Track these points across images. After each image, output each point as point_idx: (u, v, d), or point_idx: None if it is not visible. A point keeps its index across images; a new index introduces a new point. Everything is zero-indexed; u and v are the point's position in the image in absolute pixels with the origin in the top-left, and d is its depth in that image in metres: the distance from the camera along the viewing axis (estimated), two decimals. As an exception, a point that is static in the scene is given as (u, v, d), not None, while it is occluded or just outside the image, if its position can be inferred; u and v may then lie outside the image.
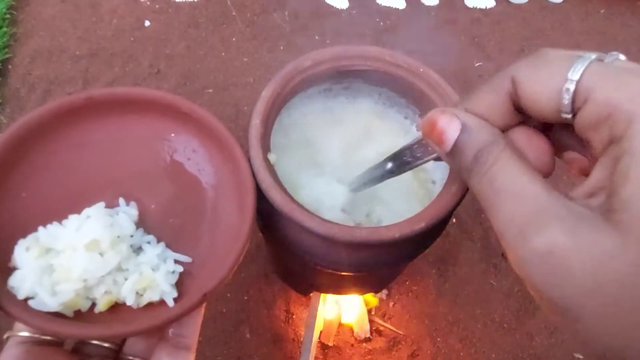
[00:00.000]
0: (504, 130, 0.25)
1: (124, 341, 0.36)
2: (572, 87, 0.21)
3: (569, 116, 0.22)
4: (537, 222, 0.20)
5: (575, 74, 0.21)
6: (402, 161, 0.33)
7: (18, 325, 0.32)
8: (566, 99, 0.21)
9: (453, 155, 0.25)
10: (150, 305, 0.33)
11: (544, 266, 0.19)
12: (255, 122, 0.38)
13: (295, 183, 0.42)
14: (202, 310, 0.35)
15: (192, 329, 0.34)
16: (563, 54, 0.22)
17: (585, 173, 0.25)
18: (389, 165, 0.34)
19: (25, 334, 0.32)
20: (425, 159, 0.30)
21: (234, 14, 0.98)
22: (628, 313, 0.18)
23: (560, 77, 0.21)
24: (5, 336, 0.32)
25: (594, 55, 0.21)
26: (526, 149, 0.24)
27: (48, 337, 0.32)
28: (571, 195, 0.22)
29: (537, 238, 0.20)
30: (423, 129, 0.27)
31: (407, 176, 0.44)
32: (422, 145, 0.30)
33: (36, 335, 0.32)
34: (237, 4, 1.00)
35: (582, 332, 0.19)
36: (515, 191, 0.21)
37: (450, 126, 0.24)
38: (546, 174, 0.25)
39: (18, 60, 0.89)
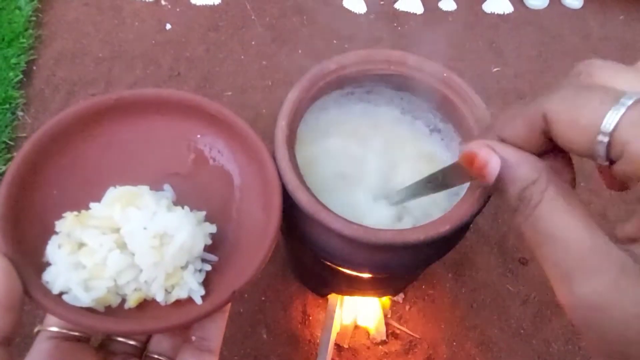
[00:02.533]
0: (540, 154, 0.24)
1: (148, 339, 0.36)
2: (605, 139, 0.20)
3: (606, 163, 0.21)
4: (581, 272, 0.20)
5: (608, 125, 0.20)
6: (441, 182, 0.32)
7: (48, 320, 0.33)
8: (600, 151, 0.20)
9: (496, 189, 0.25)
10: (178, 302, 0.34)
11: (587, 315, 0.20)
12: (282, 124, 0.39)
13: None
14: (226, 315, 0.36)
15: (216, 333, 0.35)
16: (599, 94, 0.21)
17: (612, 187, 0.25)
18: (430, 184, 0.34)
19: (55, 329, 0.32)
20: (467, 181, 0.30)
21: (253, 17, 1.00)
22: None
23: (594, 126, 0.20)
24: (35, 330, 0.33)
25: (633, 98, 0.19)
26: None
27: (76, 333, 0.33)
28: (617, 233, 0.22)
29: (580, 288, 0.20)
30: (463, 161, 0.26)
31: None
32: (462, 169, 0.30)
33: (64, 331, 0.33)
34: (257, 8, 1.01)
35: None
36: (559, 236, 0.21)
37: (490, 161, 0.24)
38: None
39: (42, 62, 0.91)
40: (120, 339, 0.35)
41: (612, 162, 0.21)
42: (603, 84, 0.23)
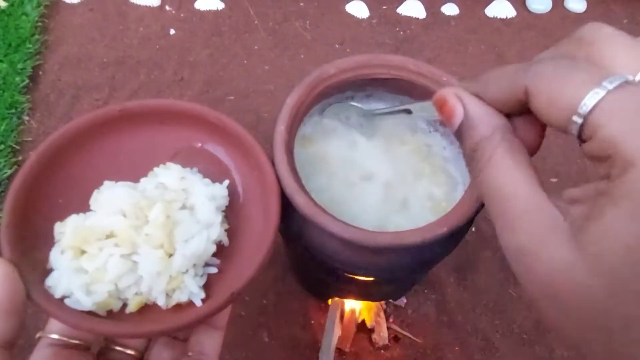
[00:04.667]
0: (510, 115, 0.25)
1: (146, 349, 0.36)
2: (579, 120, 0.20)
3: (577, 140, 0.22)
4: (515, 223, 0.22)
5: (585, 107, 0.20)
6: (415, 113, 0.35)
7: (49, 326, 0.34)
8: (573, 130, 0.21)
9: (458, 138, 0.26)
10: (178, 306, 0.34)
11: (516, 261, 0.22)
12: (280, 129, 0.39)
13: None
14: (223, 331, 0.36)
15: (213, 348, 0.35)
16: (582, 74, 0.21)
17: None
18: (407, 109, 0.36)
19: (56, 336, 0.33)
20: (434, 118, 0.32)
21: (256, 22, 1.00)
22: (577, 319, 0.20)
23: (572, 107, 0.20)
24: (37, 336, 0.33)
25: (615, 82, 0.20)
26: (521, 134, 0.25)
27: (76, 341, 0.33)
28: (563, 195, 0.23)
29: (512, 236, 0.22)
30: (435, 103, 0.27)
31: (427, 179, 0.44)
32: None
33: (65, 338, 0.33)
34: (260, 13, 1.01)
35: (545, 321, 0.22)
36: (502, 190, 0.23)
37: (456, 110, 0.26)
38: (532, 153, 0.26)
39: (48, 67, 0.92)
40: (118, 347, 0.35)
41: (583, 140, 0.21)
42: (601, 56, 0.22)
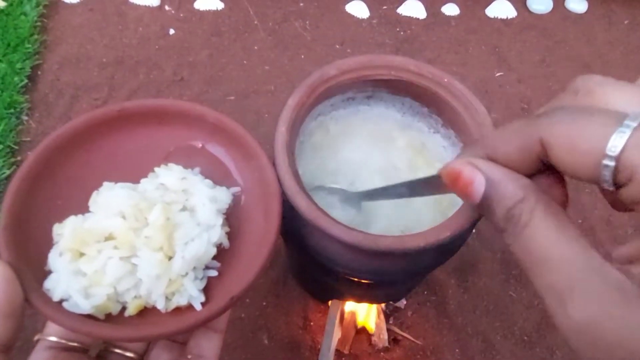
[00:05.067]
0: (529, 175, 0.23)
1: (146, 352, 0.36)
2: (611, 163, 0.19)
3: (612, 188, 0.20)
4: (574, 293, 0.19)
5: (614, 148, 0.18)
6: (416, 191, 0.32)
7: (47, 329, 0.33)
8: (606, 176, 0.19)
9: (482, 209, 0.23)
10: (178, 309, 0.34)
11: (583, 337, 0.19)
12: (282, 130, 0.39)
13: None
14: (223, 333, 0.36)
15: (212, 350, 0.35)
16: (600, 116, 0.19)
17: (617, 208, 0.23)
18: (403, 190, 0.33)
19: (54, 339, 0.32)
20: (443, 193, 0.29)
21: (256, 22, 1.00)
22: None
23: (598, 150, 0.19)
24: (35, 338, 0.33)
25: (637, 120, 0.18)
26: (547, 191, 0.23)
27: (75, 344, 0.33)
28: (613, 255, 0.21)
29: (575, 310, 0.19)
30: (446, 179, 0.25)
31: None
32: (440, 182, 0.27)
33: (63, 341, 0.33)
34: (260, 13, 1.01)
35: None
36: (551, 256, 0.20)
37: (475, 179, 0.23)
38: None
39: (47, 67, 0.92)
40: (117, 350, 0.35)
41: (618, 186, 0.20)
42: (603, 102, 0.22)
